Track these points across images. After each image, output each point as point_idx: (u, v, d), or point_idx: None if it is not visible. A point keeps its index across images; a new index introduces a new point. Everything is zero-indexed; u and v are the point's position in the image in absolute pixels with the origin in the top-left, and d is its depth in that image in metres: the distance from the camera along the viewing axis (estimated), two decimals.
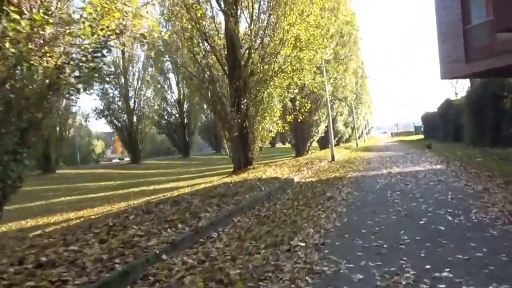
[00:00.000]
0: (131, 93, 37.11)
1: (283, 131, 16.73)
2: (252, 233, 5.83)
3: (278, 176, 12.02)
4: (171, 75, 43.84)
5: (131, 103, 37.10)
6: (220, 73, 16.26)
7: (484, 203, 6.59)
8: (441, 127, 34.11)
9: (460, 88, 39.06)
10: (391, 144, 36.75)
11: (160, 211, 7.41)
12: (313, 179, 12.26)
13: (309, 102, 22.84)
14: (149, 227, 5.96)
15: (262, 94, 15.33)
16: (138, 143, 36.56)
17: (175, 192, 11.84)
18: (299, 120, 21.02)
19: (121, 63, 37.14)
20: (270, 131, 16.15)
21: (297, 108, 17.35)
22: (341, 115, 32.82)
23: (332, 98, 24.19)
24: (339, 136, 35.15)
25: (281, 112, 16.56)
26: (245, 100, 15.06)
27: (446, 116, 31.61)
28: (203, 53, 15.63)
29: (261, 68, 15.20)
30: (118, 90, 37.22)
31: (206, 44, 15.46)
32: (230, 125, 15.22)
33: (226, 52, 15.65)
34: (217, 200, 8.21)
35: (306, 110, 17.22)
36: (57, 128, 30.76)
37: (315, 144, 29.96)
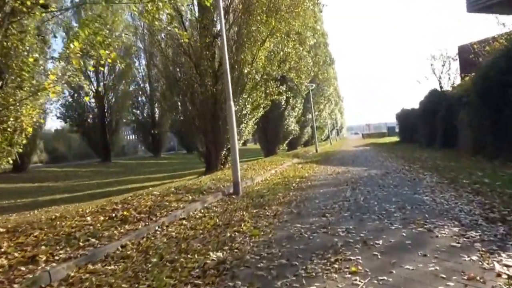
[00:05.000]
0: None
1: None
2: None
3: None
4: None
5: None
6: None
7: None
8: (423, 128, 24.73)
9: (445, 82, 29.80)
10: (361, 150, 27.06)
11: None
12: None
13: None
14: None
15: None
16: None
17: None
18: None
19: None
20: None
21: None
22: (292, 109, 22.93)
23: (266, 76, 14.13)
24: (291, 137, 25.27)
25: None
26: None
27: (433, 112, 22.18)
28: None
29: None
30: None
31: None
32: None
33: None
34: None
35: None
36: None
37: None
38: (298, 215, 6.16)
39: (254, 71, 13.30)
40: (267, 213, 6.44)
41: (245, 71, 12.96)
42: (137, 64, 37.14)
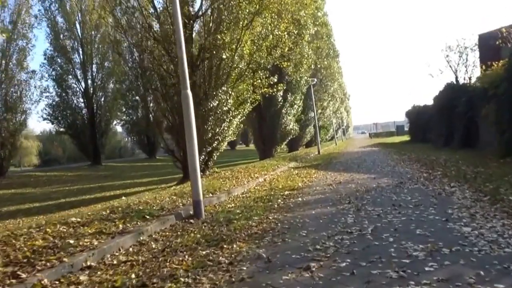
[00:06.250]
0: None
1: None
2: None
3: None
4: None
5: None
6: None
7: None
8: (438, 126, 22.35)
9: (462, 75, 27.00)
10: (368, 151, 24.58)
11: None
12: None
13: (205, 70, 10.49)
14: None
15: None
16: None
17: None
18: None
19: None
20: None
21: None
22: (291, 106, 20.58)
23: (253, 64, 11.78)
24: (289, 137, 22.87)
25: None
26: None
27: (450, 108, 19.90)
28: None
29: None
30: None
31: None
32: None
33: None
34: None
35: None
36: None
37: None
38: (266, 265, 3.82)
39: (237, 58, 10.99)
40: (220, 258, 4.11)
41: (224, 56, 10.65)
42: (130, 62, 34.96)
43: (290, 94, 20.68)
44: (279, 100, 20.06)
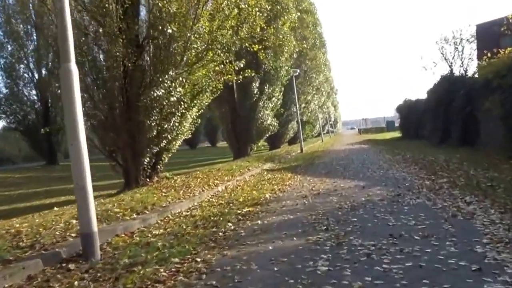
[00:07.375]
0: None
1: None
2: None
3: None
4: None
5: None
6: None
7: None
8: (434, 121, 20.80)
9: (457, 68, 25.39)
10: (357, 149, 22.74)
11: None
12: None
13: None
14: None
15: None
16: None
17: None
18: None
19: None
20: None
21: None
22: (269, 99, 18.62)
23: (213, 45, 9.61)
24: (268, 134, 20.92)
25: None
26: None
27: (446, 102, 18.43)
28: None
29: None
30: None
31: None
32: None
33: None
34: None
35: None
36: None
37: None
38: None
39: (192, 36, 8.90)
40: None
41: (170, 31, 8.56)
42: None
43: (267, 85, 18.70)
44: (255, 92, 18.08)
